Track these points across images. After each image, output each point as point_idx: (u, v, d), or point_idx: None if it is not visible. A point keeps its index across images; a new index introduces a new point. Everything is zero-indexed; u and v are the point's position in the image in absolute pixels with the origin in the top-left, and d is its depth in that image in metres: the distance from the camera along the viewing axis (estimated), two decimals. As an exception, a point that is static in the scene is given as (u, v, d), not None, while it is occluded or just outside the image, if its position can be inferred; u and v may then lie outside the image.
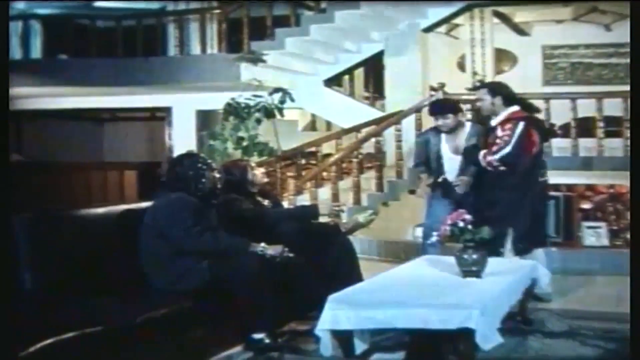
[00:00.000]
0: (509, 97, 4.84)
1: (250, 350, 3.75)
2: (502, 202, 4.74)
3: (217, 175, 4.09)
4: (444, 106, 5.22)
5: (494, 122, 4.82)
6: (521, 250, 4.77)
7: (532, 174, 4.82)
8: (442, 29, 10.62)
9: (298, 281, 3.98)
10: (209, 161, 4.11)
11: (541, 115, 5.62)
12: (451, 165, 5.08)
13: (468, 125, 5.17)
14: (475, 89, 5.30)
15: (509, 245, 4.74)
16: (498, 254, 4.59)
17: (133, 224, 3.91)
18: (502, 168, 4.71)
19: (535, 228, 4.91)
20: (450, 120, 5.02)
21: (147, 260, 3.83)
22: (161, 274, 3.79)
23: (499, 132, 4.72)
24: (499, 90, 4.85)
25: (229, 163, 4.99)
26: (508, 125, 4.69)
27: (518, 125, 4.69)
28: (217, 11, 10.28)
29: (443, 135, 5.07)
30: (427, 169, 5.21)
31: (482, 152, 4.77)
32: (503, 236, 4.72)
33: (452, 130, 5.04)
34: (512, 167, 4.70)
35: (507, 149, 4.67)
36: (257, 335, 3.75)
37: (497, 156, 4.69)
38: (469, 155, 4.90)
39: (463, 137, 5.07)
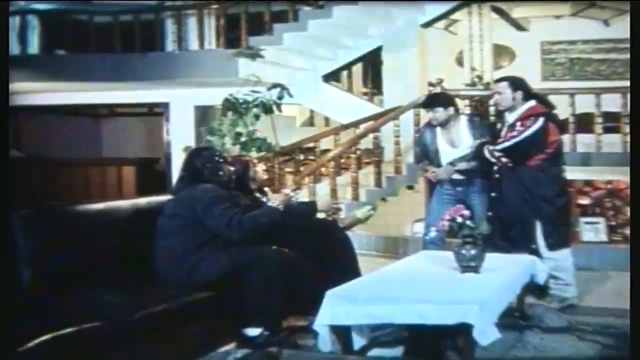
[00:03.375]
0: (528, 92, 4.80)
1: (243, 347, 3.76)
2: (526, 197, 4.70)
3: (232, 169, 4.18)
4: (433, 100, 5.21)
5: (511, 117, 4.76)
6: (553, 244, 4.72)
7: (555, 168, 4.79)
8: (441, 24, 10.62)
9: (296, 277, 3.99)
10: (224, 154, 4.19)
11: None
12: (449, 158, 5.07)
13: (463, 118, 5.13)
14: (497, 80, 5.22)
15: (541, 241, 4.70)
16: (531, 250, 4.57)
17: (133, 220, 3.92)
18: (504, 159, 4.68)
19: (562, 223, 4.90)
20: (439, 114, 4.99)
21: (163, 252, 3.87)
22: (177, 265, 3.83)
23: (518, 127, 4.68)
24: (520, 84, 4.80)
25: (232, 158, 4.99)
26: (528, 122, 4.65)
27: (537, 121, 4.65)
28: (215, 6, 10.25)
29: (438, 130, 5.06)
30: (430, 163, 5.18)
31: (487, 145, 4.77)
32: (531, 232, 4.69)
33: (444, 124, 5.01)
34: (515, 159, 4.67)
35: (510, 142, 4.65)
36: (251, 332, 3.76)
37: (498, 147, 4.68)
38: (477, 151, 4.87)
39: (459, 130, 5.05)
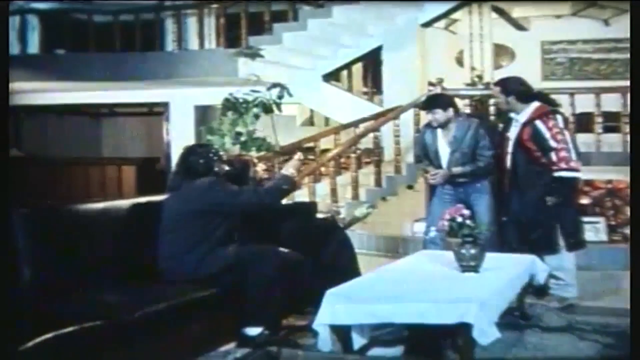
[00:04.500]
0: (524, 94, 4.76)
1: (243, 346, 3.76)
2: (548, 198, 4.64)
3: (226, 167, 4.20)
4: (432, 102, 5.19)
5: (522, 117, 4.72)
6: (574, 245, 4.71)
7: None
8: (441, 24, 10.62)
9: (297, 276, 3.99)
10: (220, 152, 4.19)
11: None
12: (448, 160, 5.06)
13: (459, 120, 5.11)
14: (494, 84, 5.19)
15: (561, 241, 4.68)
16: (554, 250, 4.58)
17: (133, 219, 3.92)
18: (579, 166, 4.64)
19: (581, 222, 4.88)
20: (438, 115, 4.96)
21: (168, 248, 3.89)
22: (183, 260, 3.85)
23: (545, 131, 4.59)
24: (511, 89, 4.77)
25: (232, 158, 5.00)
26: (551, 122, 4.60)
27: (558, 119, 4.63)
28: (215, 6, 10.26)
29: (439, 131, 5.05)
30: (430, 163, 5.17)
31: (556, 164, 4.56)
32: (553, 232, 4.67)
33: (444, 125, 4.99)
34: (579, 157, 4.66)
35: (571, 150, 4.57)
36: (252, 332, 3.77)
37: (574, 156, 4.57)
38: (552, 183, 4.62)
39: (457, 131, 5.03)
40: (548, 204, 4.60)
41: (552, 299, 4.69)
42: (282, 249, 4.03)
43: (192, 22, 10.61)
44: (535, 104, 4.72)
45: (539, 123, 4.64)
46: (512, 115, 4.81)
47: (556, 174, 4.57)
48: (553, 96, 5.11)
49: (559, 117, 4.67)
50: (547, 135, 4.61)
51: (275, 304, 3.77)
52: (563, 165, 4.56)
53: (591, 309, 4.66)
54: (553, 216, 4.66)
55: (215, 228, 3.94)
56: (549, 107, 4.75)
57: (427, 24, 9.33)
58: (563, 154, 4.56)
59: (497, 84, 5.00)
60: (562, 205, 4.64)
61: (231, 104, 7.60)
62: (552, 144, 4.58)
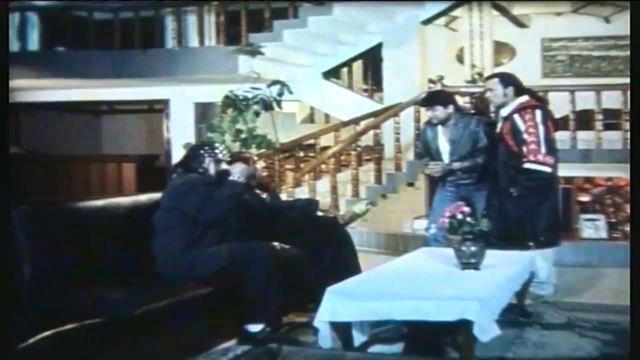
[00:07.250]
0: (520, 88, 4.78)
1: (244, 343, 3.76)
2: (524, 195, 4.64)
3: (224, 167, 4.11)
4: (431, 98, 5.18)
5: (504, 112, 4.73)
6: (543, 243, 4.69)
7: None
8: (441, 21, 10.62)
9: (297, 273, 3.99)
10: (217, 151, 4.14)
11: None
12: (450, 156, 5.05)
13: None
14: (487, 77, 5.16)
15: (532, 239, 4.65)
16: (524, 246, 4.53)
17: (133, 216, 3.93)
18: (550, 160, 4.60)
19: (555, 221, 4.87)
20: (438, 112, 4.95)
21: (161, 248, 3.86)
22: (176, 261, 3.82)
23: (521, 124, 4.61)
24: (510, 80, 4.78)
25: (232, 155, 4.98)
26: (527, 116, 4.60)
27: (535, 113, 4.62)
28: (215, 3, 10.24)
29: (439, 128, 5.04)
30: (432, 160, 5.16)
31: (525, 155, 4.57)
32: (524, 228, 4.66)
33: (444, 122, 4.99)
34: (554, 154, 4.64)
35: (543, 143, 4.55)
36: (253, 328, 3.77)
37: (543, 150, 4.56)
38: (519, 172, 4.64)
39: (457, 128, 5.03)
40: (513, 195, 4.62)
41: (528, 296, 4.64)
42: (279, 244, 4.01)
43: (192, 20, 10.59)
44: (521, 99, 4.72)
45: (516, 117, 4.65)
46: (500, 110, 4.81)
47: (524, 166, 4.59)
48: (552, 94, 5.11)
49: (537, 111, 4.64)
50: (522, 128, 4.62)
51: (275, 300, 3.76)
52: (531, 157, 4.57)
53: (591, 306, 4.66)
54: (525, 212, 4.65)
55: (208, 229, 3.89)
56: (535, 102, 4.75)
57: (427, 22, 9.33)
58: (532, 146, 4.57)
59: (493, 76, 4.97)
60: (533, 201, 4.64)
61: (231, 101, 7.61)
62: (524, 136, 4.59)
